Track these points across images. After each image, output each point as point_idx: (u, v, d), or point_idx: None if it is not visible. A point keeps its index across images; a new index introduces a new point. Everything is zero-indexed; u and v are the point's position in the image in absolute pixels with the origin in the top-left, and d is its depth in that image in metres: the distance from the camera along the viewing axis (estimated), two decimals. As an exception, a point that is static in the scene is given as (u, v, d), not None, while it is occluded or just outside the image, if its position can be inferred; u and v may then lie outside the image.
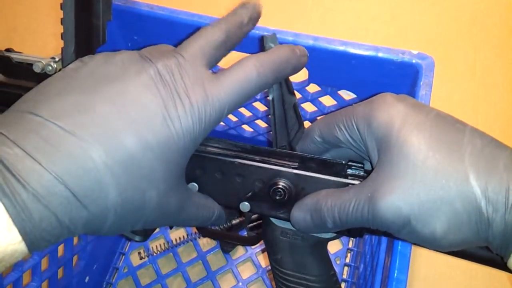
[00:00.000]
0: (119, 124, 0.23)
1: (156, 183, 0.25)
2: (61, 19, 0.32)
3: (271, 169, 0.31)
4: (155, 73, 0.25)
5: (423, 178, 0.25)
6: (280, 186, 0.30)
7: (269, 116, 0.34)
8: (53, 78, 0.26)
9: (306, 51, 0.30)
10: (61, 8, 0.32)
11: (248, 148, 0.32)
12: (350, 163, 0.31)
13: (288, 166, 0.31)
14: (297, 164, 0.31)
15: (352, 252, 0.62)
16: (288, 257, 0.34)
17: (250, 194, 0.31)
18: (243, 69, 0.27)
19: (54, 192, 0.21)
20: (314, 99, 0.51)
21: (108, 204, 0.23)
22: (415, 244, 0.28)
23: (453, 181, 0.24)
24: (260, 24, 0.42)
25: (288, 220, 0.32)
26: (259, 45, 0.43)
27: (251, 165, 0.31)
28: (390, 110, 0.27)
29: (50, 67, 0.34)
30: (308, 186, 0.30)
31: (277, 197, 0.31)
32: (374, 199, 0.26)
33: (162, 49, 0.27)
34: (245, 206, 0.32)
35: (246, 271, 0.63)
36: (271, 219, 0.34)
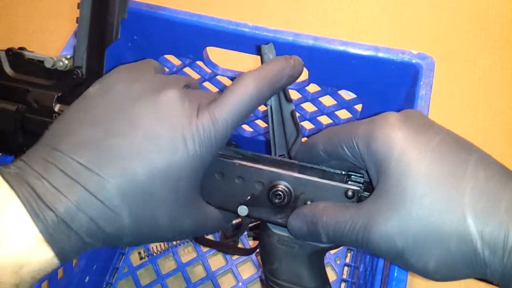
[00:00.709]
0: (129, 156, 0.26)
1: (168, 208, 0.27)
2: (77, 18, 0.33)
3: (271, 171, 0.31)
4: (165, 102, 0.27)
5: (419, 214, 0.24)
6: (280, 189, 0.30)
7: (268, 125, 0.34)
8: (73, 108, 0.28)
9: (301, 60, 0.31)
10: (78, 7, 0.33)
11: (249, 155, 0.32)
12: (349, 173, 0.31)
13: (288, 170, 0.31)
14: (296, 171, 0.31)
15: (352, 252, 0.62)
16: (284, 267, 0.33)
17: (249, 197, 0.31)
18: (241, 87, 0.28)
19: (76, 217, 0.25)
20: (314, 99, 0.51)
21: (123, 227, 0.26)
22: None
23: (448, 221, 0.24)
24: (260, 24, 0.42)
25: (286, 226, 0.31)
26: (257, 52, 0.43)
27: (252, 166, 0.31)
28: (390, 134, 0.26)
29: (61, 63, 0.34)
30: (308, 191, 0.30)
31: (276, 200, 0.31)
32: (369, 228, 0.26)
33: (177, 78, 0.31)
34: (243, 209, 0.32)
35: (246, 271, 0.63)
36: (269, 225, 0.33)
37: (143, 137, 0.26)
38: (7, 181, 0.25)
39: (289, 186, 0.31)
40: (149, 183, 0.26)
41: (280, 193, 0.30)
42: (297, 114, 0.49)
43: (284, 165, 0.31)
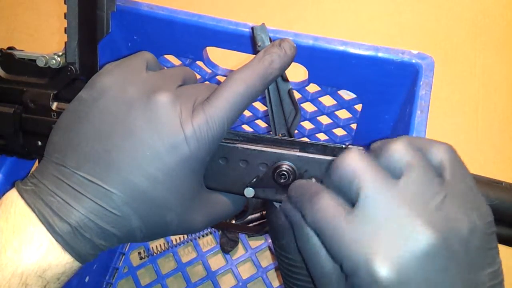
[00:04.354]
0: (128, 167, 0.27)
1: (173, 208, 0.28)
2: (65, 13, 0.32)
3: (274, 152, 0.31)
4: (158, 108, 0.27)
5: None
6: (284, 169, 0.31)
7: (266, 106, 0.34)
8: (69, 117, 0.29)
9: (292, 44, 0.31)
10: (65, 3, 0.32)
11: (250, 137, 0.32)
12: (350, 146, 0.31)
13: (291, 149, 0.31)
14: (298, 149, 0.31)
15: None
16: (293, 242, 0.34)
17: (254, 179, 0.32)
18: (232, 85, 0.28)
19: (87, 226, 0.27)
20: (314, 99, 0.51)
21: (133, 228, 0.28)
22: None
23: None
24: (259, 23, 0.42)
25: None
26: (250, 36, 0.43)
27: (254, 149, 0.31)
28: None
29: (54, 61, 0.34)
30: (311, 168, 0.31)
31: (282, 180, 0.31)
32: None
33: (171, 75, 0.31)
34: (249, 191, 0.32)
35: (246, 271, 0.63)
36: (275, 204, 0.34)
37: (140, 146, 0.27)
38: (24, 198, 0.27)
39: (292, 165, 0.31)
40: (151, 190, 0.27)
41: (285, 173, 0.31)
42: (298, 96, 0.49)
43: (285, 144, 0.32)
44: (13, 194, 0.28)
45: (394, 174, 0.23)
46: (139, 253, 0.64)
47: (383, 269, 0.21)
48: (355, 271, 0.21)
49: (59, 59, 0.34)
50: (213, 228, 0.64)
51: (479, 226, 0.22)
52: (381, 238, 0.21)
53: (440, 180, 0.23)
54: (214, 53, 0.49)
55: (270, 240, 0.63)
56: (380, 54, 0.42)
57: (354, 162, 0.23)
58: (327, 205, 0.24)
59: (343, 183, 0.24)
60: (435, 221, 0.21)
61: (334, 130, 0.56)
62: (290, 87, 0.33)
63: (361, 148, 0.25)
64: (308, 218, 0.25)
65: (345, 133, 0.56)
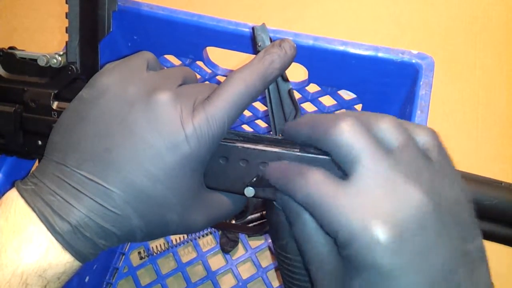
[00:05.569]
0: (128, 166, 0.27)
1: (174, 207, 0.28)
2: (66, 13, 0.32)
3: (274, 151, 0.31)
4: (158, 107, 0.27)
5: None
6: None
7: (266, 106, 0.34)
8: (70, 116, 0.29)
9: (293, 44, 0.31)
10: (66, 2, 0.32)
11: (250, 137, 0.32)
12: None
13: (291, 149, 0.31)
14: (298, 149, 0.31)
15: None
16: (293, 242, 0.34)
17: (254, 179, 0.32)
18: (233, 85, 0.29)
19: (87, 226, 0.27)
20: (314, 99, 0.51)
21: (134, 229, 0.28)
22: None
23: None
24: (259, 23, 0.42)
25: None
26: (250, 36, 0.43)
27: (255, 148, 0.31)
28: None
29: (55, 60, 0.34)
30: None
31: None
32: None
33: (172, 75, 0.31)
34: (249, 191, 0.32)
35: (246, 271, 0.63)
36: (275, 204, 0.34)
37: (140, 145, 0.27)
38: (24, 197, 0.27)
39: None
40: (151, 189, 0.27)
41: None
42: (298, 96, 0.49)
43: (286, 144, 0.32)
44: (13, 194, 0.28)
45: (386, 147, 0.24)
46: (139, 253, 0.64)
47: (382, 232, 0.21)
48: (351, 239, 0.22)
49: (60, 58, 0.34)
50: (213, 228, 0.64)
51: (463, 201, 0.24)
52: (377, 205, 0.22)
53: (428, 158, 0.24)
54: (214, 53, 0.49)
55: (270, 240, 0.63)
56: (380, 54, 0.42)
57: (351, 132, 0.23)
58: (319, 179, 0.24)
59: (339, 152, 0.24)
60: (427, 188, 0.23)
61: (334, 130, 0.56)
62: (290, 87, 0.33)
63: (352, 114, 0.25)
64: (299, 194, 0.24)
65: (345, 133, 0.56)
